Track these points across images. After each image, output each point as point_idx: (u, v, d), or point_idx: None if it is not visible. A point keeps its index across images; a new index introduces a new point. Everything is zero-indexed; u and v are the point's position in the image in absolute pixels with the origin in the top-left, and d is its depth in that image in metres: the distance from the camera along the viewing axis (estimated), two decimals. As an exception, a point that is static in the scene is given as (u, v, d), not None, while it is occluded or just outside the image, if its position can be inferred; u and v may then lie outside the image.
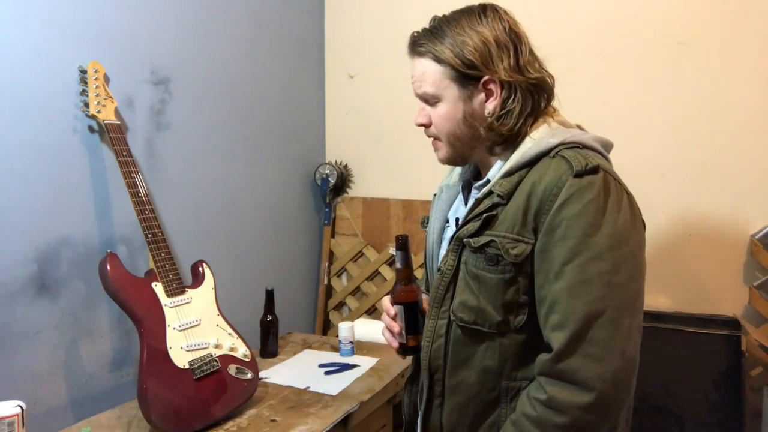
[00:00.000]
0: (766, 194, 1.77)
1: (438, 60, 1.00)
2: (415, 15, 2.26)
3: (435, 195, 1.21)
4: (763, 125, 1.77)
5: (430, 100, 1.04)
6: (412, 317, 1.07)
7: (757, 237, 1.76)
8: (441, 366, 1.02)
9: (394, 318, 1.10)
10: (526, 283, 0.94)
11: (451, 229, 1.12)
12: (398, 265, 1.08)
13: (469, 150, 1.05)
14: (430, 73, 1.02)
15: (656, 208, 1.90)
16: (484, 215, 0.97)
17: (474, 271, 0.98)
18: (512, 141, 1.00)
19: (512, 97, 0.98)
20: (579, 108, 2.05)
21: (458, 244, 1.01)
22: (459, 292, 1.00)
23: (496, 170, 1.02)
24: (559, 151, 0.95)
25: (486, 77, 0.98)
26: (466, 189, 1.13)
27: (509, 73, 0.98)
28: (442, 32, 1.01)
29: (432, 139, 1.08)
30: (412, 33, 1.06)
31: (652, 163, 1.89)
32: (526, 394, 0.94)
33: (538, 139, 0.98)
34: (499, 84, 0.98)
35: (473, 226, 0.98)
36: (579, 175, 0.90)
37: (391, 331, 1.11)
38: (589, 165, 0.91)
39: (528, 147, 0.97)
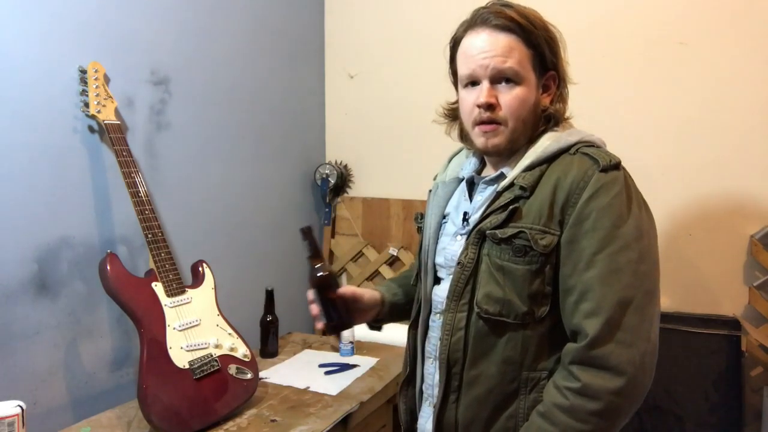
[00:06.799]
0: (766, 194, 1.77)
1: (529, 43, 1.00)
2: (415, 15, 2.28)
3: (430, 191, 1.21)
4: (763, 125, 1.77)
5: (512, 78, 1.00)
6: (325, 300, 1.11)
7: (757, 237, 1.76)
8: (460, 359, 1.02)
9: (313, 302, 1.13)
10: (551, 273, 0.96)
11: (452, 224, 1.12)
12: (307, 253, 1.13)
13: (523, 139, 1.04)
14: (517, 52, 1.00)
15: (656, 208, 1.89)
16: (510, 207, 0.98)
17: (499, 263, 0.98)
18: (539, 136, 1.05)
19: (563, 93, 1.07)
20: (579, 108, 2.05)
21: (478, 236, 1.01)
22: (483, 284, 0.99)
23: (511, 165, 1.04)
24: (579, 149, 1.00)
25: (552, 72, 1.05)
26: (469, 184, 1.13)
27: (565, 72, 1.06)
28: (528, 17, 1.01)
29: (488, 124, 1.02)
30: (488, 6, 1.03)
31: (652, 163, 1.88)
32: (553, 384, 0.94)
33: (556, 136, 1.02)
34: (557, 81, 1.06)
35: (497, 218, 0.99)
36: (605, 170, 0.95)
37: (314, 314, 1.14)
38: (613, 161, 0.96)
39: (548, 143, 1.01)
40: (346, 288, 1.15)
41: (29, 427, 1.25)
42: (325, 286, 1.12)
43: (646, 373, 0.91)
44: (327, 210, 2.42)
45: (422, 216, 1.22)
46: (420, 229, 1.22)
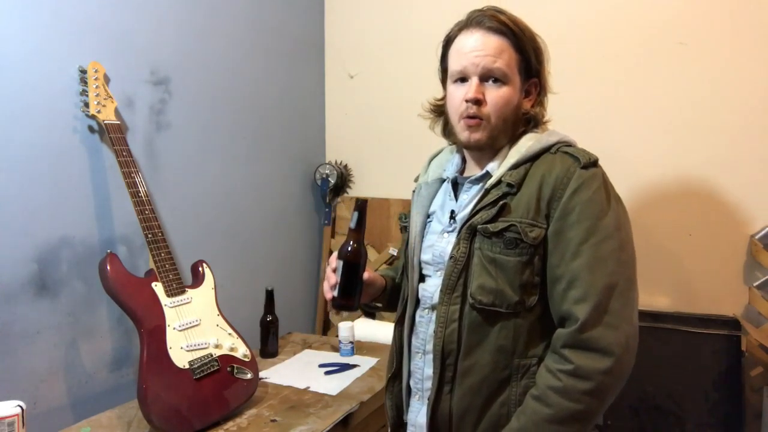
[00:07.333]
0: (766, 194, 1.77)
1: (517, 48, 1.08)
2: (415, 15, 2.27)
3: (414, 192, 1.26)
4: (763, 125, 1.77)
5: (499, 78, 1.06)
6: (349, 277, 1.10)
7: (757, 237, 1.76)
8: (454, 350, 1.06)
9: (334, 271, 1.13)
10: (539, 264, 1.03)
11: (438, 223, 1.16)
12: (352, 225, 1.12)
13: (503, 137, 1.11)
14: (507, 54, 1.07)
15: (656, 208, 1.90)
16: (500, 202, 1.04)
17: (491, 256, 1.04)
18: (519, 137, 1.11)
19: (543, 100, 1.15)
20: (579, 108, 2.05)
21: (470, 232, 1.06)
22: (476, 276, 1.05)
23: (496, 164, 1.10)
24: (559, 148, 1.07)
25: (535, 79, 1.12)
26: (453, 184, 1.18)
27: (546, 81, 1.14)
28: (519, 24, 1.08)
29: (473, 119, 1.08)
30: (483, 9, 1.09)
31: (652, 163, 1.88)
32: (546, 368, 0.99)
33: (537, 137, 1.10)
34: (539, 88, 1.13)
35: (488, 213, 1.05)
36: (585, 167, 1.02)
37: (329, 283, 1.13)
38: (591, 159, 1.04)
39: (531, 143, 1.08)
40: (366, 273, 1.16)
41: (29, 427, 1.25)
42: (355, 264, 1.11)
43: (630, 353, 0.97)
44: (327, 210, 2.42)
45: (406, 216, 1.27)
46: (405, 229, 1.26)
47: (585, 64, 1.96)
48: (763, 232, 1.75)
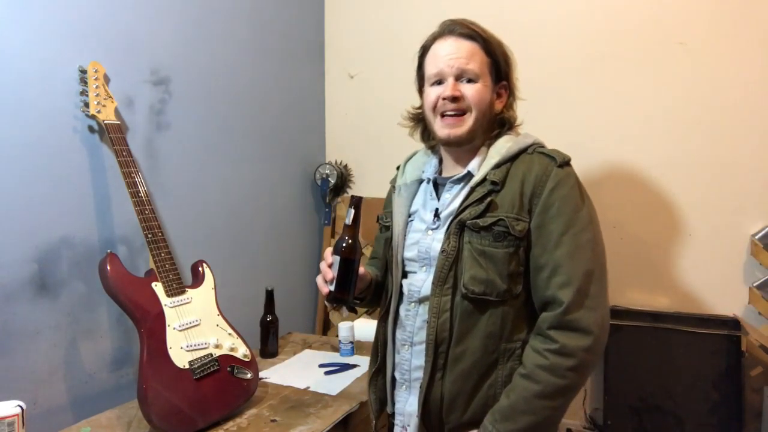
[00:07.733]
0: (766, 194, 1.77)
1: (487, 51, 1.18)
2: (415, 15, 2.27)
3: (394, 193, 1.32)
4: (763, 125, 1.77)
5: (472, 78, 1.16)
6: (345, 272, 1.13)
7: (757, 237, 1.76)
8: (447, 338, 1.13)
9: (330, 266, 1.16)
10: (523, 255, 1.12)
11: (421, 221, 1.23)
12: (347, 221, 1.16)
13: (481, 132, 1.19)
14: (478, 56, 1.17)
15: (656, 208, 1.90)
16: (487, 199, 1.12)
17: (480, 248, 1.11)
18: (495, 138, 1.21)
19: (513, 104, 1.25)
20: (578, 108, 2.05)
21: (458, 227, 1.13)
22: (467, 268, 1.12)
23: (476, 164, 1.18)
24: (535, 149, 1.17)
25: (504, 82, 1.22)
26: (434, 185, 1.26)
27: (515, 85, 1.24)
28: (486, 33, 1.19)
29: (453, 116, 1.17)
30: (454, 19, 1.20)
31: (652, 163, 1.88)
32: (533, 349, 1.08)
33: (514, 139, 1.19)
34: (508, 91, 1.23)
35: (476, 209, 1.12)
36: (561, 166, 1.12)
37: (325, 278, 1.17)
38: (566, 159, 1.14)
39: (509, 145, 1.17)
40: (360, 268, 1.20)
41: (29, 427, 1.25)
42: (350, 260, 1.14)
43: (605, 332, 1.08)
44: (327, 210, 2.42)
45: (386, 216, 1.33)
46: (386, 228, 1.33)
47: (584, 64, 1.96)
48: (763, 232, 1.75)
